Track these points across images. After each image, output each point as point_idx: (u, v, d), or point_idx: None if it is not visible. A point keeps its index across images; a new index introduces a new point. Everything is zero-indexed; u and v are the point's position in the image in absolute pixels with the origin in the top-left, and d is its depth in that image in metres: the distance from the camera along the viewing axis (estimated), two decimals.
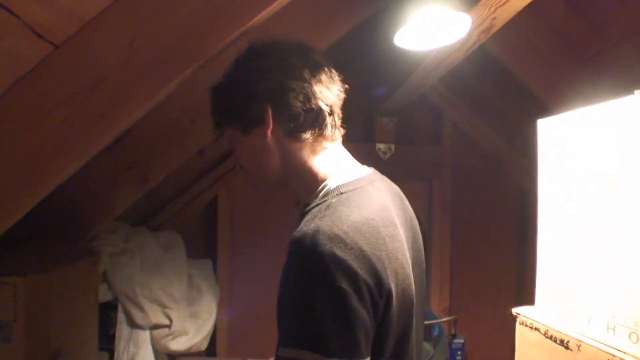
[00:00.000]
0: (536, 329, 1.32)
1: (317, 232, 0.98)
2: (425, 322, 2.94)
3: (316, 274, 0.95)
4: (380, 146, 2.95)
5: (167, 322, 2.49)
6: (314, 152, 1.19)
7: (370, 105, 2.93)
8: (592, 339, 1.16)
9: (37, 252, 1.96)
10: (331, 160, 1.20)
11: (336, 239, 0.97)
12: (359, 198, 1.09)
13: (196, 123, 2.16)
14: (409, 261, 1.13)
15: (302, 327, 0.96)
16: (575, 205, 1.26)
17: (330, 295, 0.94)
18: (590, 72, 2.21)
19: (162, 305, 2.50)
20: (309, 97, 1.16)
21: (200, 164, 2.90)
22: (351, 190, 1.10)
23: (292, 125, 1.16)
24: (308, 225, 1.01)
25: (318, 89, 1.18)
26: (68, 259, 1.98)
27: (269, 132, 1.17)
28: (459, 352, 2.97)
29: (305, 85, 1.16)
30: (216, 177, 2.95)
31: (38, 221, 1.95)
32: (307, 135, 1.17)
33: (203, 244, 3.04)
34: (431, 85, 2.46)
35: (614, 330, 1.12)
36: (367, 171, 1.23)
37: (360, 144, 2.97)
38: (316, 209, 1.07)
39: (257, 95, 1.17)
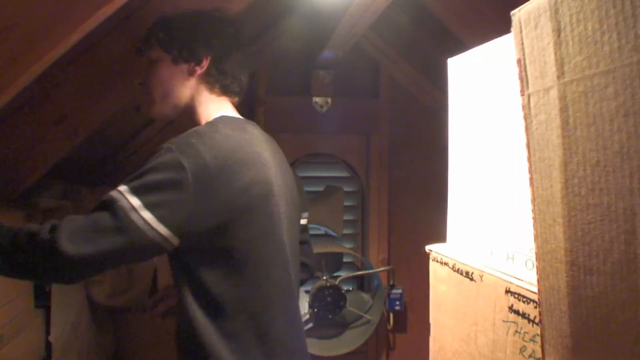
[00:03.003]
0: (445, 263, 1.36)
1: (193, 131, 1.27)
2: (362, 273, 3.01)
3: (175, 152, 1.19)
4: (317, 99, 2.95)
5: (100, 277, 2.48)
6: (215, 100, 1.45)
7: (307, 59, 2.92)
8: (493, 269, 1.19)
9: None
10: (222, 109, 1.45)
11: (204, 137, 1.24)
12: (236, 124, 1.38)
13: (124, 75, 2.13)
14: (277, 182, 1.38)
15: (139, 174, 1.19)
16: (479, 143, 1.28)
17: (172, 167, 1.17)
18: None
19: None
20: (238, 68, 1.46)
21: (138, 121, 2.86)
22: (232, 120, 1.40)
23: (218, 77, 1.43)
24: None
25: (246, 67, 1.49)
26: (3, 214, 1.94)
27: (198, 73, 1.42)
28: (397, 302, 3.04)
29: (241, 59, 1.47)
30: (155, 131, 2.91)
31: None
32: (219, 88, 1.45)
33: None
34: (362, 34, 2.45)
35: (512, 259, 1.15)
36: (245, 120, 1.47)
37: (297, 96, 2.96)
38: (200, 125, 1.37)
39: (209, 44, 1.42)
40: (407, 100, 3.14)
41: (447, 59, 1.42)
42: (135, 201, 1.14)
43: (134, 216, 1.13)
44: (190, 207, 1.17)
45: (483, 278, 1.20)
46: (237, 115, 1.46)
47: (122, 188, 1.17)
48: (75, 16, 1.28)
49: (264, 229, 1.32)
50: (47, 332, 2.47)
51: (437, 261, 1.40)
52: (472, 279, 1.24)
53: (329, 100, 2.95)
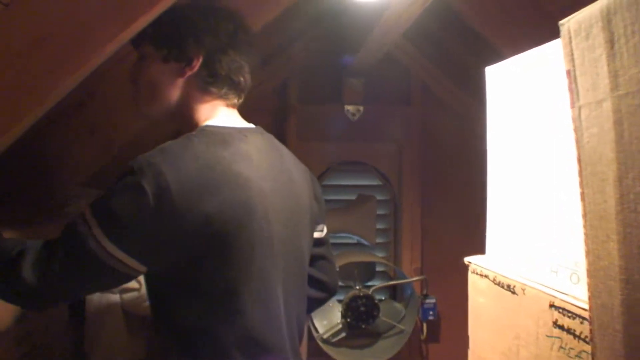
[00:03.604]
0: (485, 276, 1.34)
1: (160, 148, 1.15)
2: (395, 282, 2.98)
3: (136, 173, 1.09)
4: (349, 107, 2.93)
5: (136, 285, 2.49)
6: (209, 105, 1.33)
7: (337, 66, 2.91)
8: (536, 282, 1.17)
9: (7, 215, 1.94)
10: (216, 114, 1.33)
11: (169, 157, 1.12)
12: (217, 137, 1.24)
13: None
14: (260, 200, 1.23)
15: (101, 197, 1.12)
16: (520, 153, 1.26)
17: (132, 190, 1.08)
18: (557, 29, 2.19)
19: None
20: (235, 69, 1.32)
21: (172, 128, 2.86)
22: (216, 131, 1.26)
23: (208, 80, 1.30)
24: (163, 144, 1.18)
25: (246, 67, 1.35)
26: (39, 222, 1.96)
27: (188, 74, 1.30)
28: (430, 312, 3.00)
29: (239, 59, 1.32)
30: None
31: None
32: (214, 91, 1.32)
33: None
34: (395, 42, 2.43)
35: (556, 272, 1.13)
36: (245, 125, 1.37)
37: (328, 104, 2.96)
38: (179, 138, 1.22)
39: (200, 43, 1.29)
40: (439, 108, 3.11)
41: (478, 65, 1.41)
42: (95, 228, 1.08)
43: (92, 244, 1.07)
44: (153, 234, 1.10)
45: (525, 292, 1.18)
46: (229, 123, 1.32)
47: (86, 213, 1.10)
48: (111, 27, 1.28)
49: (241, 258, 1.19)
50: (81, 342, 2.49)
51: (477, 273, 1.38)
52: (513, 292, 1.22)
53: (361, 108, 2.94)
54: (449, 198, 3.14)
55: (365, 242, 2.93)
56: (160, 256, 1.13)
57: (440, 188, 3.13)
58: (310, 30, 2.89)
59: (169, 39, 1.30)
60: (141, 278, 2.50)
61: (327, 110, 2.96)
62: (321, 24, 2.87)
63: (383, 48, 2.40)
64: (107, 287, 1.21)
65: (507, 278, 1.25)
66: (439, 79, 3.07)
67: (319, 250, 1.54)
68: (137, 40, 1.34)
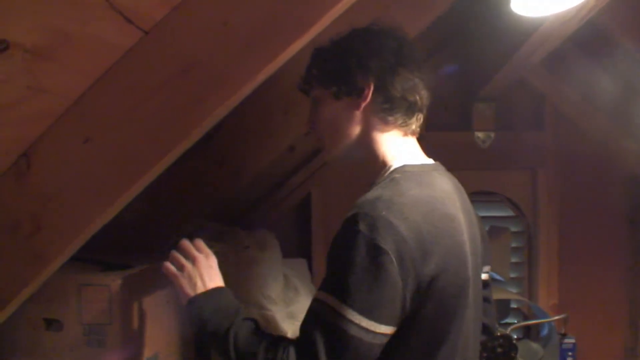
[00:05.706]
0: None
1: (377, 199, 1.09)
2: (537, 321, 2.78)
3: (366, 233, 1.04)
4: (479, 134, 2.79)
5: (265, 324, 2.42)
6: (390, 136, 1.27)
7: (466, 90, 2.80)
8: None
9: (133, 250, 1.92)
10: (401, 148, 1.28)
11: (393, 207, 1.07)
12: (422, 178, 1.20)
13: (289, 115, 2.08)
14: (468, 244, 1.19)
15: (336, 275, 1.08)
16: None
17: (371, 254, 1.03)
18: None
19: (260, 307, 2.42)
20: (409, 88, 1.25)
21: (292, 161, 2.83)
22: (416, 171, 1.22)
23: (385, 106, 1.24)
24: (371, 193, 1.13)
25: (420, 84, 1.28)
26: (163, 259, 1.94)
27: (363, 105, 1.24)
28: (569, 353, 2.79)
29: (411, 76, 1.25)
30: (308, 174, 2.87)
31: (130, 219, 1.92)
32: (392, 119, 1.25)
33: (296, 243, 2.96)
34: (534, 64, 2.30)
35: None
36: (432, 161, 1.35)
37: (456, 131, 2.84)
38: (382, 183, 1.18)
39: (367, 69, 1.24)
40: (574, 132, 2.92)
41: (617, 87, 1.27)
42: (348, 312, 1.03)
43: (354, 331, 1.03)
44: (402, 292, 1.05)
45: None
46: (419, 159, 1.29)
47: (329, 300, 1.05)
48: (261, 54, 1.22)
49: (450, 307, 1.14)
50: None
51: None
52: None
53: (492, 134, 2.79)
54: (587, 229, 2.94)
55: (498, 277, 2.77)
56: (405, 312, 1.08)
57: (578, 218, 2.95)
58: (440, 50, 2.79)
59: (334, 75, 1.27)
60: (270, 315, 2.44)
61: (456, 137, 2.84)
62: (452, 44, 2.78)
63: (523, 70, 2.27)
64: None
65: None
66: (573, 101, 2.89)
67: (484, 293, 1.46)
68: (306, 86, 1.34)
